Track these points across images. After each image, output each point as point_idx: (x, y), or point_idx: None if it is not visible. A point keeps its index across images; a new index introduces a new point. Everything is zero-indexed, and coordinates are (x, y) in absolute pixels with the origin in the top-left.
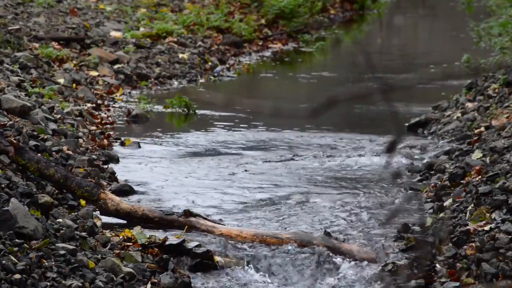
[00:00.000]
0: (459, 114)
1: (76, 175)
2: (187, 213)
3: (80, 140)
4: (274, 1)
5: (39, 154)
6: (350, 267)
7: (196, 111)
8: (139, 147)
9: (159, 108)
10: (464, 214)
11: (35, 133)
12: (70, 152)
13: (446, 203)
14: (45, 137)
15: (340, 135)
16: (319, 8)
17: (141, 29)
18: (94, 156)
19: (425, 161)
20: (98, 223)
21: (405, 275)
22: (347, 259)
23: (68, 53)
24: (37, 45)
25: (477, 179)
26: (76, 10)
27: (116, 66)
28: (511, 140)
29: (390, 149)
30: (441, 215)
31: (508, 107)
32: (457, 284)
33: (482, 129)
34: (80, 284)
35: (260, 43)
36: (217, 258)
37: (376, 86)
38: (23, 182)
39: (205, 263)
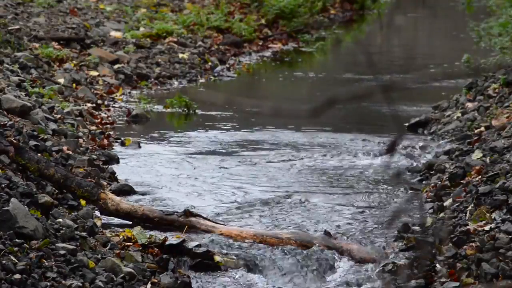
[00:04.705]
0: (459, 114)
1: (76, 175)
2: (187, 213)
3: (80, 140)
4: (274, 1)
5: (39, 154)
6: (350, 267)
7: (196, 111)
8: (139, 147)
9: (159, 108)
10: (464, 214)
11: (35, 133)
12: (70, 152)
13: (446, 203)
14: (45, 137)
15: (340, 135)
16: (319, 8)
17: (141, 29)
18: (94, 156)
19: (425, 161)
20: (98, 223)
21: (405, 275)
22: (347, 259)
23: (68, 53)
24: (37, 45)
25: (477, 179)
26: (76, 10)
27: (116, 66)
28: (511, 140)
29: (391, 149)
30: (441, 215)
31: (508, 107)
32: (457, 284)
33: (482, 129)
34: (80, 284)
35: (260, 43)
36: (217, 258)
37: (376, 86)
38: (23, 182)
39: (205, 263)
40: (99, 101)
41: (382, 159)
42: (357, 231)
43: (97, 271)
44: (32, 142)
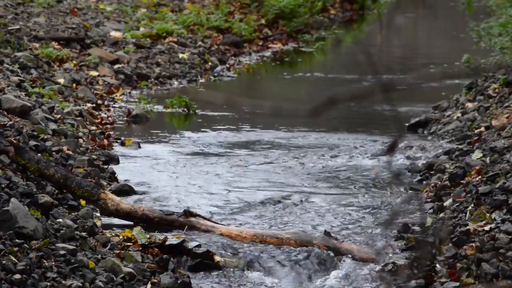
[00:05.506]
0: (459, 114)
1: (76, 175)
2: (187, 213)
3: (80, 140)
4: (274, 1)
5: (39, 154)
6: (350, 267)
7: (196, 111)
8: (139, 147)
9: (159, 108)
10: (464, 214)
11: (35, 133)
12: (70, 152)
13: (446, 203)
14: (45, 137)
15: (340, 135)
16: (319, 8)
17: (141, 29)
18: (94, 156)
19: (425, 161)
20: (98, 223)
21: (405, 275)
22: (347, 259)
23: (68, 53)
24: (37, 45)
25: (477, 179)
26: (76, 10)
27: (116, 66)
28: (511, 140)
29: (391, 149)
30: (441, 215)
31: (508, 107)
32: (457, 284)
33: (482, 129)
34: (80, 284)
35: (260, 43)
36: (217, 258)
37: (376, 86)
38: (23, 182)
39: (205, 263)
40: (99, 101)
41: (383, 159)
42: (357, 231)
43: (97, 271)
44: (32, 142)
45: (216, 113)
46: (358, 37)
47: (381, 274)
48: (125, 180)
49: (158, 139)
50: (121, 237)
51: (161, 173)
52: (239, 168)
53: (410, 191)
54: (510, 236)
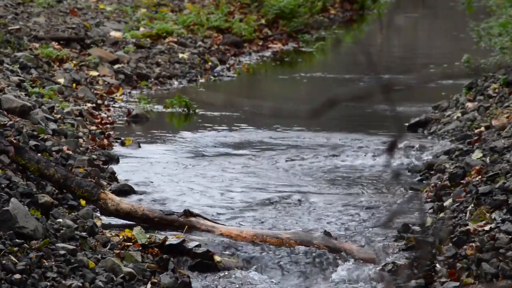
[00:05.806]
0: (459, 114)
1: (76, 175)
2: (187, 213)
3: (80, 140)
4: (274, 1)
5: (39, 154)
6: (350, 267)
7: (196, 111)
8: (139, 147)
9: (159, 108)
10: (464, 214)
11: (35, 133)
12: (70, 152)
13: (446, 203)
14: (45, 137)
15: (340, 135)
16: (319, 8)
17: (141, 29)
18: (94, 156)
19: (425, 161)
20: (98, 223)
21: (405, 275)
22: (347, 259)
23: (68, 53)
24: (37, 45)
25: (477, 179)
26: (76, 10)
27: (116, 66)
28: (511, 140)
29: (391, 149)
30: (441, 215)
31: (508, 107)
32: (457, 284)
33: (482, 129)
34: (80, 284)
35: (260, 43)
36: (217, 258)
37: (376, 86)
38: (23, 182)
39: (205, 263)
40: (99, 101)
41: (383, 159)
42: (357, 231)
43: (97, 271)
44: (32, 142)
45: (216, 113)
46: (358, 37)
47: (381, 274)
48: (125, 180)
49: (158, 139)
50: (121, 237)
51: (161, 173)
52: (239, 168)
53: (410, 191)
54: (510, 236)
